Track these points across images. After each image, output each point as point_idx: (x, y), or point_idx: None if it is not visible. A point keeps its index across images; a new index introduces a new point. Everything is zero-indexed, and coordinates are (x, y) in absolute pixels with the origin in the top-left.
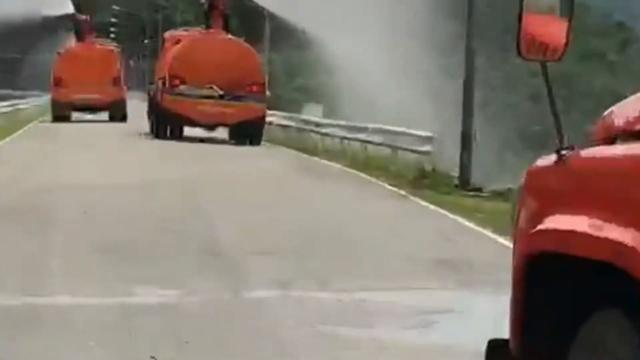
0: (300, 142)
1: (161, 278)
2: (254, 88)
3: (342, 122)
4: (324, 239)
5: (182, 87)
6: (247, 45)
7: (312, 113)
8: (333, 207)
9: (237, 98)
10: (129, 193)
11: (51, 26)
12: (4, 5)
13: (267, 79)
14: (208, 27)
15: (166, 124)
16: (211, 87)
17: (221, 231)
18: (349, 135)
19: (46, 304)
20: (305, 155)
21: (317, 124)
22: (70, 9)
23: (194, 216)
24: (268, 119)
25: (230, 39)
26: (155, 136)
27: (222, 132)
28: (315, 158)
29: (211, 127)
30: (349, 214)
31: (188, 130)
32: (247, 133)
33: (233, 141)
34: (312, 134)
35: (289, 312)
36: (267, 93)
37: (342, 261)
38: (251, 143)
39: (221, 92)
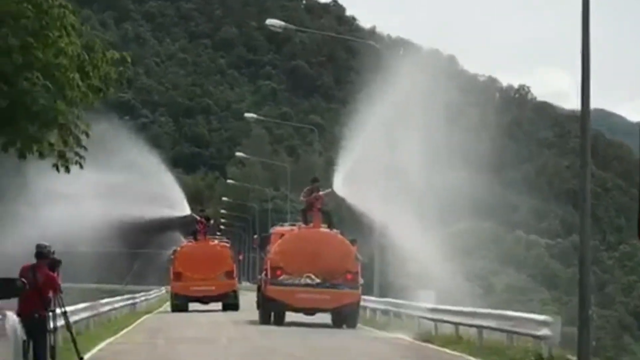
0: (414, 329)
1: None
2: (348, 276)
3: (456, 308)
4: None
5: (282, 277)
6: (341, 237)
7: (425, 299)
8: None
9: (333, 286)
10: None
11: (164, 225)
12: (124, 207)
13: (360, 267)
14: (306, 223)
15: (270, 312)
16: (309, 276)
17: None
18: (463, 321)
19: None
20: (420, 343)
21: (431, 310)
22: (187, 210)
23: None
24: (381, 307)
25: (325, 232)
26: (261, 323)
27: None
28: (430, 345)
29: (310, 313)
30: None
31: (294, 317)
32: (344, 318)
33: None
34: (426, 321)
35: None
36: (361, 280)
37: None
38: (347, 326)
39: (318, 281)
